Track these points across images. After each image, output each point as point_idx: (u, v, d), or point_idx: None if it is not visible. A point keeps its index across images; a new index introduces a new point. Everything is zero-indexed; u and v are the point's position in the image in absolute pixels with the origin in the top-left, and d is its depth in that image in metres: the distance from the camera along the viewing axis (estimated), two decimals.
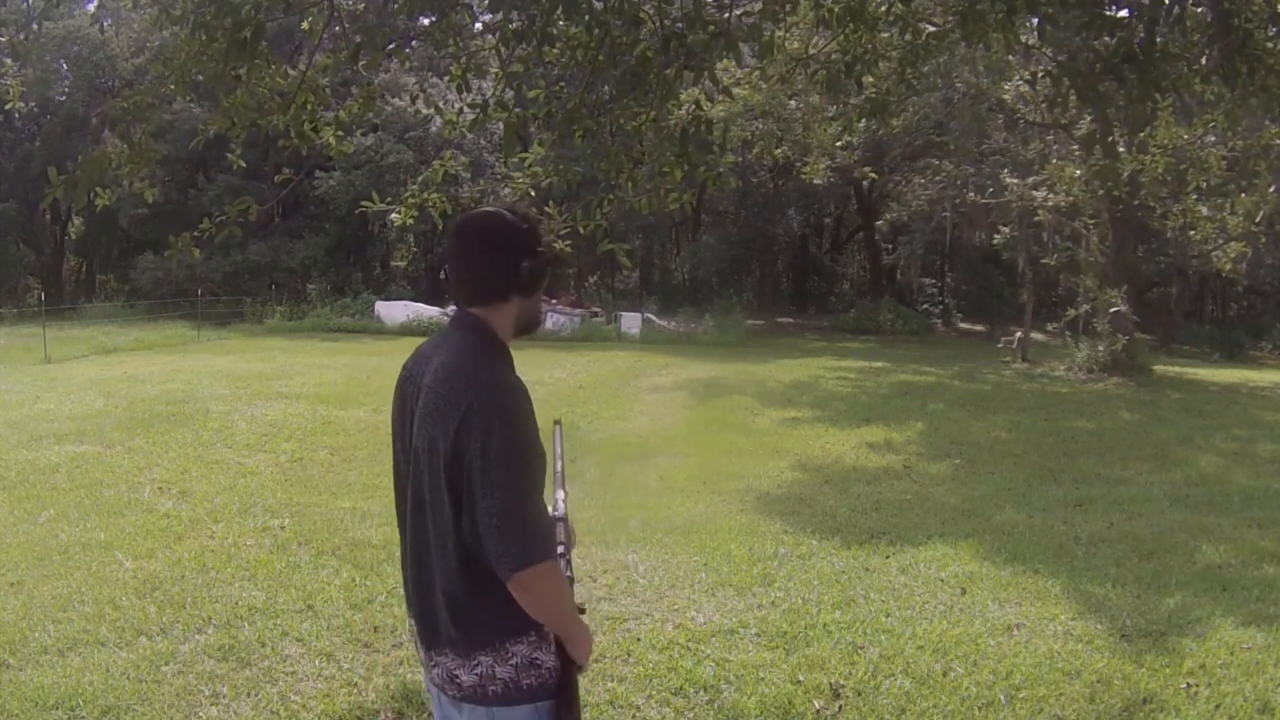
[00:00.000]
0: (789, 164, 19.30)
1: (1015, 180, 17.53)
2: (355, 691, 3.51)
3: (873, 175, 15.80)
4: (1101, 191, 14.35)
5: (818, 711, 3.39)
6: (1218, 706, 3.45)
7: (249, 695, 3.45)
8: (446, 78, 4.73)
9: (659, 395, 12.67)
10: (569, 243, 4.78)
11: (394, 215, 5.17)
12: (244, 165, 4.79)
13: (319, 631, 4.01)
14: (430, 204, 4.97)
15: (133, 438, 8.31)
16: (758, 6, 4.35)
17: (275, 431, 8.82)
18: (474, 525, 1.69)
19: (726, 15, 4.13)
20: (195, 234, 4.20)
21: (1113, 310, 15.25)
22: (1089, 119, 14.33)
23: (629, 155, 4.42)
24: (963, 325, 32.05)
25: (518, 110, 4.11)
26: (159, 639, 3.90)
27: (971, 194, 19.65)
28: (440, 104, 5.62)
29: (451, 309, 2.02)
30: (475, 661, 1.77)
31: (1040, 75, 4.84)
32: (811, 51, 6.42)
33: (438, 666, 1.81)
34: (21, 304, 26.79)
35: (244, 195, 4.43)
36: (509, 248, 1.90)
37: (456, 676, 1.78)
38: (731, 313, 26.09)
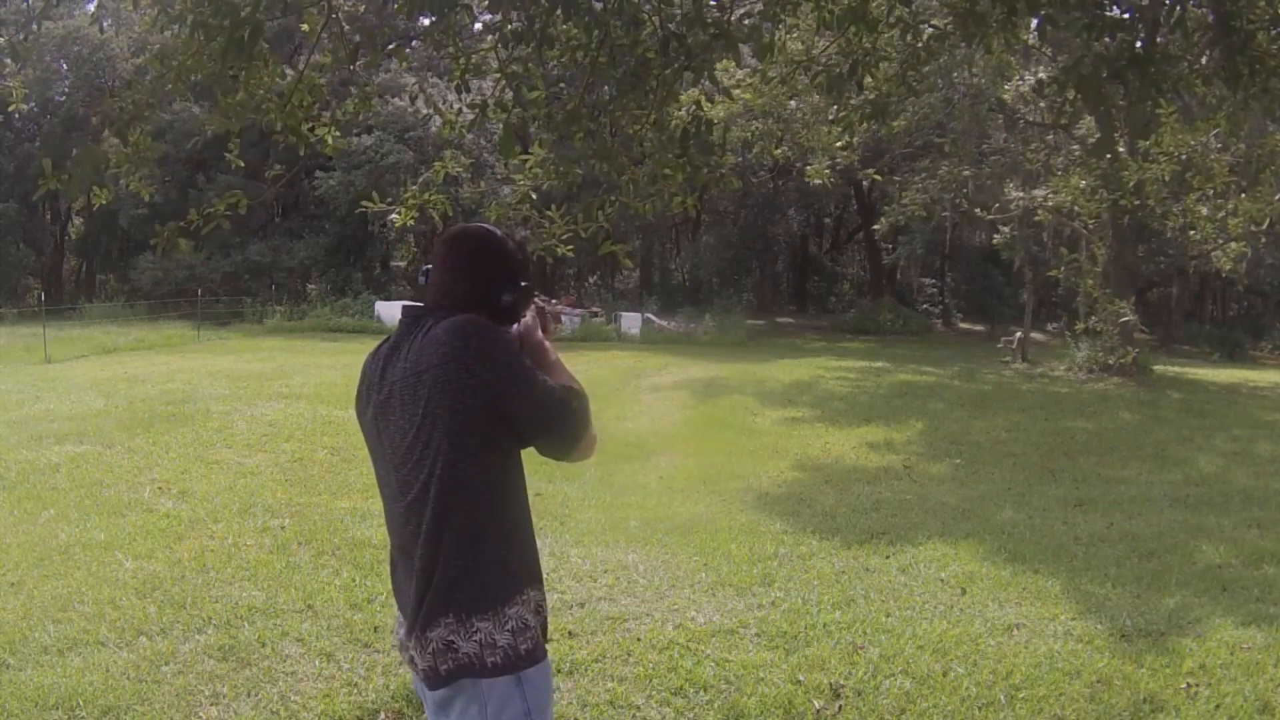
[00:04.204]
0: (789, 164, 19.31)
1: (1020, 194, 17.51)
2: (355, 691, 3.50)
3: (876, 176, 15.79)
4: (1108, 202, 14.35)
5: (818, 711, 3.39)
6: (1218, 706, 3.45)
7: (249, 695, 3.45)
8: (447, 78, 4.73)
9: (659, 395, 12.68)
10: (570, 246, 4.77)
11: (394, 216, 5.17)
12: (242, 164, 4.78)
13: (319, 631, 4.01)
14: (430, 204, 4.97)
15: (133, 438, 8.31)
16: (758, 8, 4.35)
17: (275, 431, 8.82)
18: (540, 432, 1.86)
19: (726, 17, 4.13)
20: (182, 224, 4.18)
21: (1123, 320, 15.20)
22: (1089, 119, 14.35)
23: (629, 157, 4.41)
24: (963, 325, 32.09)
25: (517, 111, 4.11)
26: (159, 639, 3.90)
27: (979, 211, 19.61)
28: (440, 104, 5.62)
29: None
30: (475, 629, 1.77)
31: (1048, 81, 4.84)
32: (813, 53, 6.42)
33: (432, 642, 1.79)
34: (21, 304, 26.80)
35: (238, 192, 4.41)
36: (495, 275, 1.92)
37: (452, 642, 1.77)
38: (731, 313, 26.13)
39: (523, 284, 1.95)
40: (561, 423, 1.85)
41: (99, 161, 4.00)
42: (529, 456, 1.91)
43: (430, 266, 1.97)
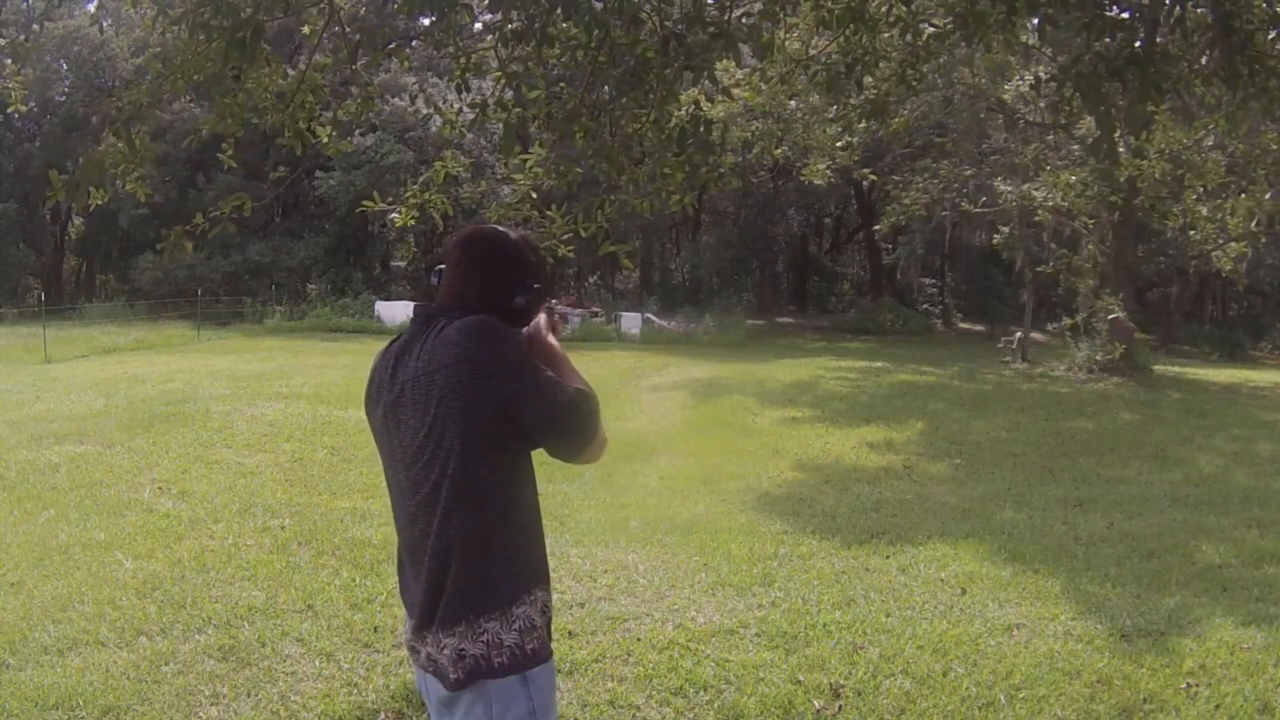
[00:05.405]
0: (789, 164, 19.31)
1: (1009, 188, 17.55)
2: (355, 691, 3.51)
3: (872, 177, 15.81)
4: (1098, 197, 14.38)
5: (818, 711, 3.39)
6: (1218, 706, 3.45)
7: (249, 695, 3.45)
8: (447, 78, 4.74)
9: (659, 395, 12.68)
10: (571, 247, 4.77)
11: (394, 215, 5.18)
12: (235, 165, 4.78)
13: (319, 631, 4.01)
14: (431, 204, 4.98)
15: (133, 438, 8.31)
16: (758, 7, 4.35)
17: (275, 431, 8.82)
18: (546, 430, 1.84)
19: (726, 16, 4.13)
20: (188, 228, 4.19)
21: (1111, 317, 15.23)
22: (1089, 119, 14.35)
23: (629, 156, 4.42)
24: (963, 325, 32.10)
25: (518, 110, 4.11)
26: (159, 639, 3.90)
27: (967, 204, 19.66)
28: (440, 104, 5.63)
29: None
30: (482, 630, 1.78)
31: (1046, 80, 4.84)
32: (812, 52, 6.42)
33: (444, 646, 1.79)
34: (21, 304, 26.79)
35: (242, 195, 4.42)
36: (508, 276, 1.91)
37: (463, 649, 1.77)
38: (731, 313, 26.14)
39: (535, 286, 1.94)
40: (571, 425, 1.85)
41: (103, 166, 4.01)
42: (533, 456, 1.91)
43: (443, 267, 1.97)
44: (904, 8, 4.75)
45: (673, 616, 4.27)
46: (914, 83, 5.68)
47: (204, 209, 4.30)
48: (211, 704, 3.38)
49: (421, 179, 5.14)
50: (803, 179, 13.35)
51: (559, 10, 3.57)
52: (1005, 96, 16.94)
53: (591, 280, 33.85)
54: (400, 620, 4.03)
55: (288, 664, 3.71)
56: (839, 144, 12.26)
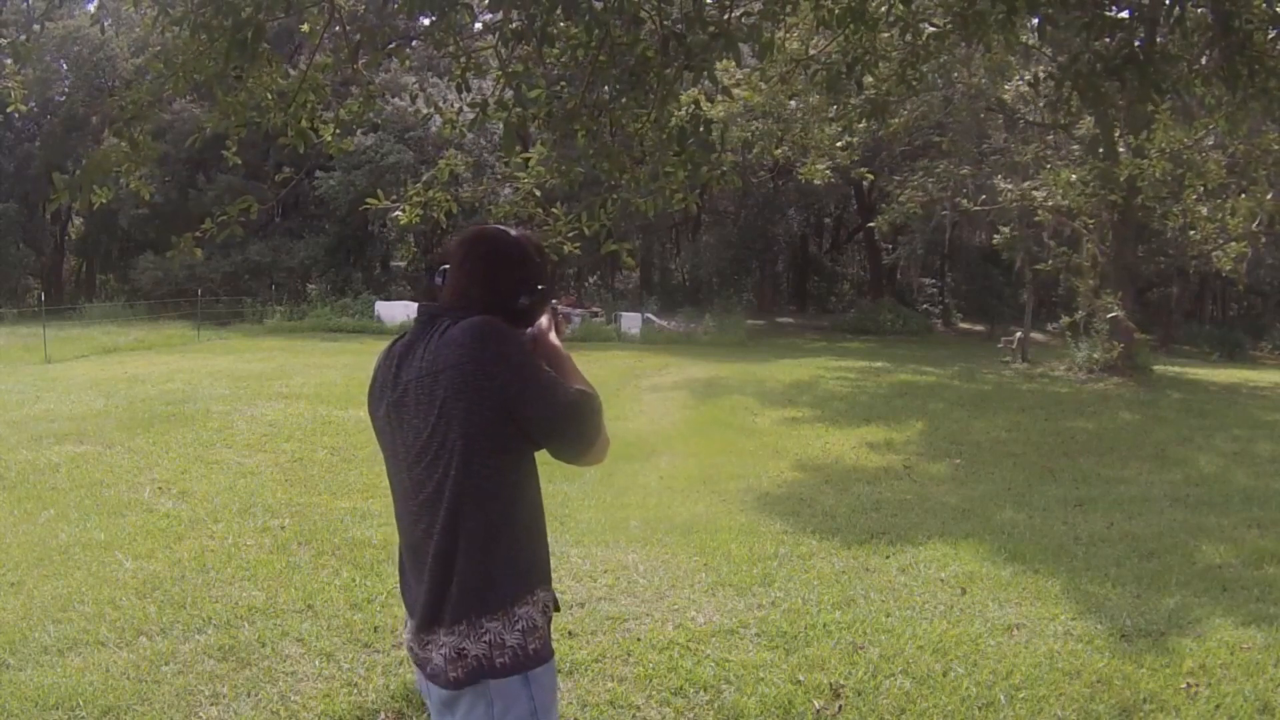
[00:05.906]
0: (789, 164, 19.32)
1: (1009, 186, 17.57)
2: (355, 691, 3.51)
3: (870, 176, 15.81)
4: (1097, 196, 14.38)
5: (818, 711, 3.39)
6: (1218, 706, 3.45)
7: (249, 695, 3.45)
8: (447, 78, 4.75)
9: (659, 395, 12.68)
10: (577, 245, 4.78)
11: (397, 214, 5.18)
12: (240, 162, 4.78)
13: (319, 631, 4.01)
14: (434, 203, 4.98)
15: (133, 438, 8.31)
16: (758, 7, 4.35)
17: (275, 431, 8.82)
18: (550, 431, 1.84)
19: (726, 16, 4.13)
20: (197, 234, 4.21)
21: (1110, 316, 15.23)
22: (1089, 119, 14.35)
23: (630, 155, 4.42)
24: (963, 325, 32.11)
25: (518, 110, 4.11)
26: (159, 639, 3.90)
27: (966, 202, 19.66)
28: (440, 104, 5.64)
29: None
30: (484, 630, 1.78)
31: (1043, 78, 4.84)
32: (812, 52, 6.42)
33: (444, 645, 1.79)
34: (21, 304, 26.77)
35: (244, 195, 4.43)
36: (511, 277, 1.91)
37: (464, 649, 1.78)
38: (731, 313, 26.15)
39: (539, 287, 1.94)
40: (574, 426, 1.85)
41: (106, 167, 4.01)
42: (535, 457, 1.91)
43: (446, 267, 1.96)
44: (904, 8, 4.75)
45: (673, 616, 4.27)
46: (914, 83, 5.67)
47: (204, 208, 4.33)
48: (211, 704, 3.38)
49: (425, 177, 5.14)
50: (802, 178, 13.37)
51: (559, 10, 3.57)
52: (1005, 96, 16.93)
53: (591, 280, 33.86)
54: (400, 620, 4.03)
55: (288, 664, 3.71)
56: (839, 144, 12.26)
